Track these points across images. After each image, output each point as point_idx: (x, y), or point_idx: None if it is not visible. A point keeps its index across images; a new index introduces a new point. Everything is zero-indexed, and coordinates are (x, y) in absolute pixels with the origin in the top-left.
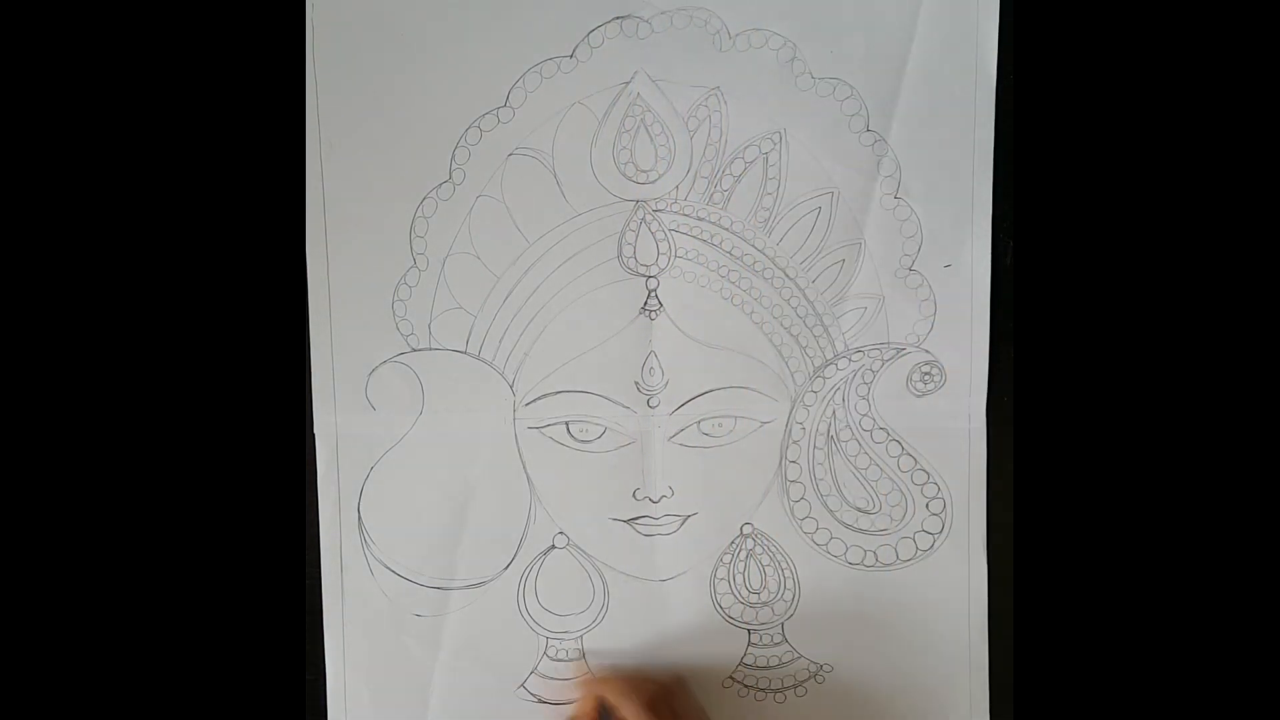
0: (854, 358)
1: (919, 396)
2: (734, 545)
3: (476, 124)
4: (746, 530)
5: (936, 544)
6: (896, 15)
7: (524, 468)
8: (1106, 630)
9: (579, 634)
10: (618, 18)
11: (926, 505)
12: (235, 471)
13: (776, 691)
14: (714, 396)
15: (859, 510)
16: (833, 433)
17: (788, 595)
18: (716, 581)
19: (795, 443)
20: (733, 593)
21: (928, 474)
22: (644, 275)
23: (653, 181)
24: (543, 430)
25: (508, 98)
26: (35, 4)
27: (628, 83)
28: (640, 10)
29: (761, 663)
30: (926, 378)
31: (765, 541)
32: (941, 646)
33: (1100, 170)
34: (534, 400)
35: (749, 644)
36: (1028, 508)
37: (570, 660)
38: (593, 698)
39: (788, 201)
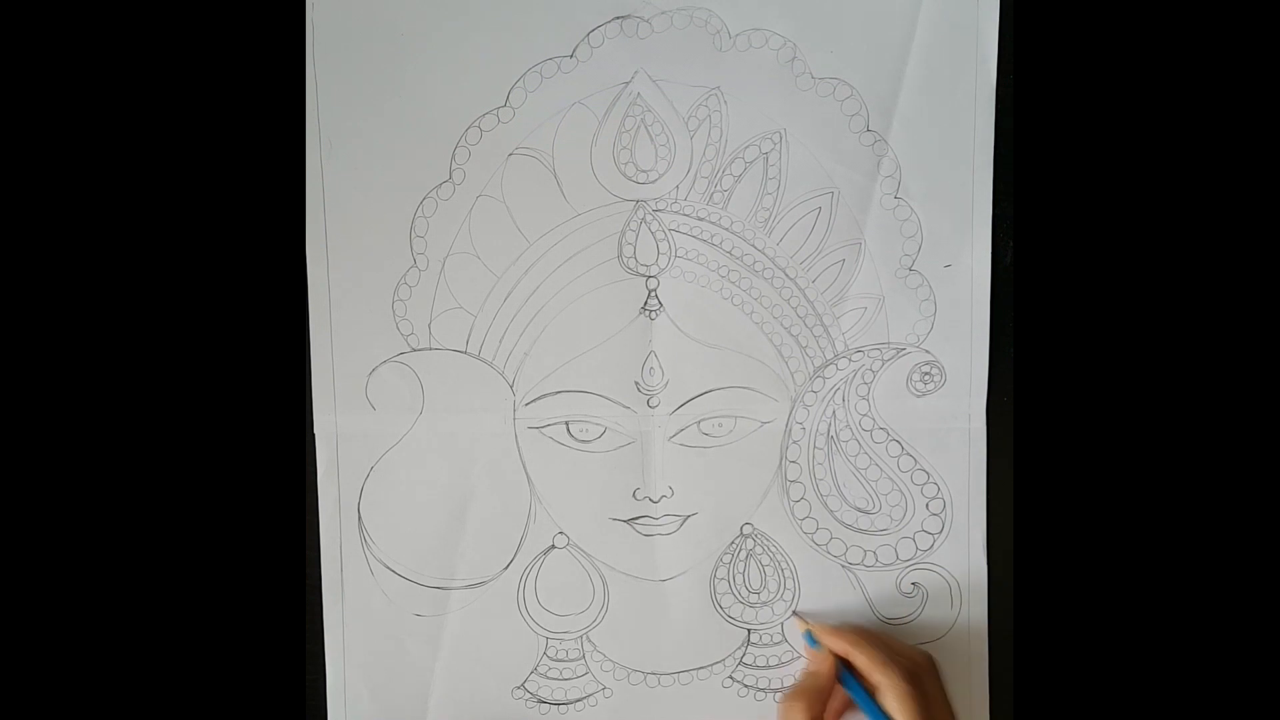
0: (854, 358)
1: (919, 396)
2: (734, 545)
3: (477, 124)
4: (746, 530)
5: (936, 544)
6: (896, 15)
7: (524, 468)
8: (1106, 630)
9: (579, 634)
10: (618, 18)
11: (926, 505)
12: (236, 471)
13: (776, 691)
14: (714, 396)
15: (859, 510)
16: (833, 433)
17: (788, 595)
18: (716, 581)
19: (795, 443)
20: (733, 592)
21: (928, 474)
22: (644, 275)
23: (653, 181)
24: (543, 430)
25: (508, 98)
26: (35, 4)
27: (628, 83)
28: (640, 10)
29: (761, 663)
30: (926, 378)
31: (765, 541)
32: (941, 646)
33: (1100, 170)
34: (534, 400)
35: (749, 644)
36: (1028, 508)
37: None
38: (832, 656)
39: (788, 201)
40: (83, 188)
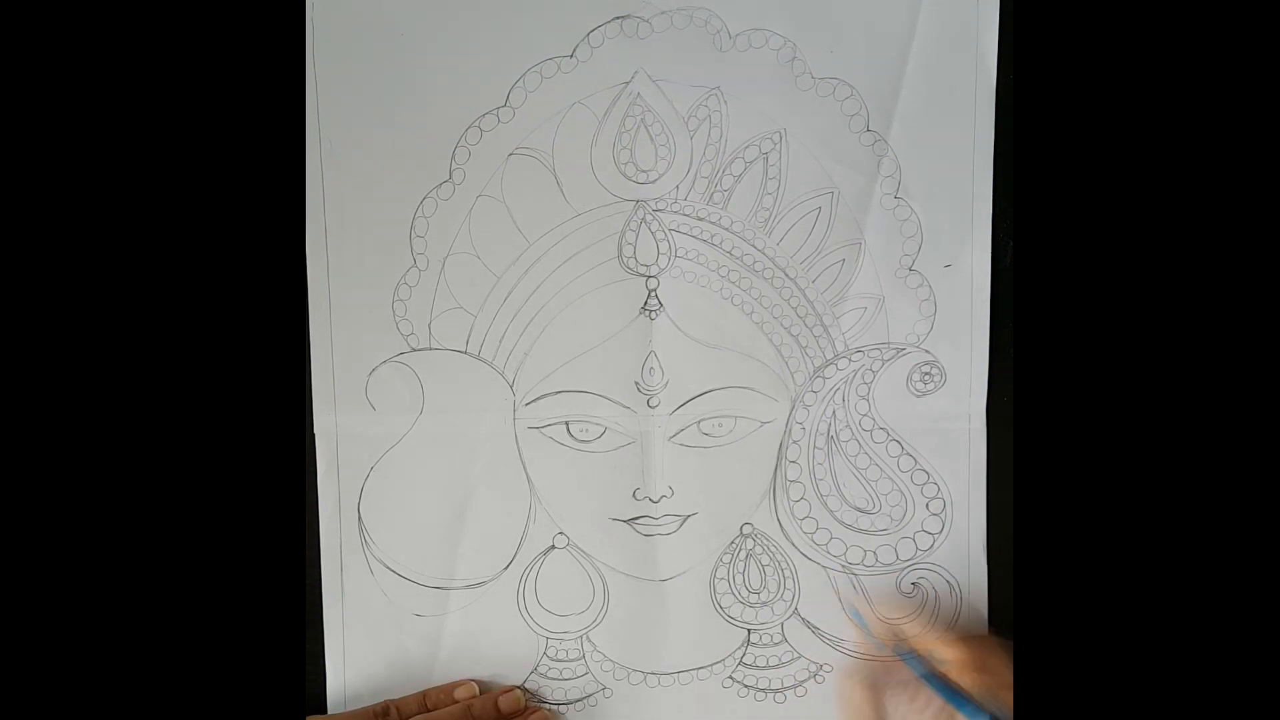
0: (854, 358)
1: (919, 396)
2: (734, 545)
3: (476, 124)
4: (746, 530)
5: (936, 544)
6: (896, 15)
7: (524, 468)
8: (1107, 631)
9: (579, 634)
10: (618, 18)
11: (926, 505)
12: (235, 471)
13: (776, 691)
14: (714, 396)
15: (859, 510)
16: (833, 433)
17: (788, 595)
18: (716, 581)
19: (795, 443)
20: (733, 592)
21: (928, 474)
22: (644, 275)
23: (653, 181)
24: (543, 430)
25: (508, 98)
26: (35, 3)
27: (628, 83)
28: (640, 10)
29: (761, 663)
30: (926, 378)
31: (765, 541)
32: None
33: (1101, 170)
34: (534, 400)
35: (749, 644)
36: (1028, 508)
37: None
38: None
39: (788, 201)
40: (80, 188)
